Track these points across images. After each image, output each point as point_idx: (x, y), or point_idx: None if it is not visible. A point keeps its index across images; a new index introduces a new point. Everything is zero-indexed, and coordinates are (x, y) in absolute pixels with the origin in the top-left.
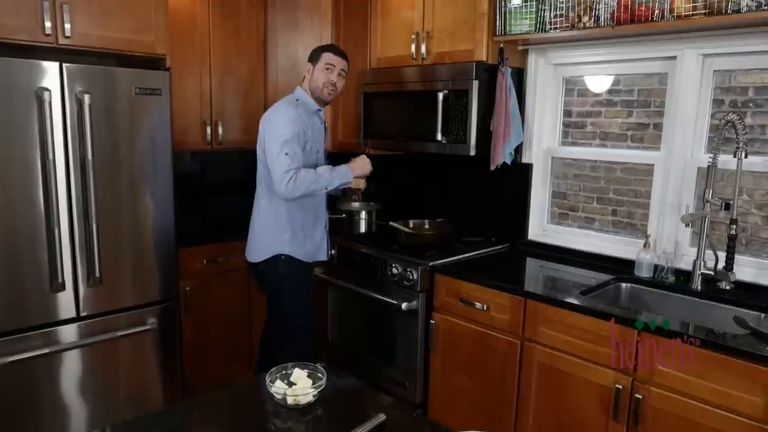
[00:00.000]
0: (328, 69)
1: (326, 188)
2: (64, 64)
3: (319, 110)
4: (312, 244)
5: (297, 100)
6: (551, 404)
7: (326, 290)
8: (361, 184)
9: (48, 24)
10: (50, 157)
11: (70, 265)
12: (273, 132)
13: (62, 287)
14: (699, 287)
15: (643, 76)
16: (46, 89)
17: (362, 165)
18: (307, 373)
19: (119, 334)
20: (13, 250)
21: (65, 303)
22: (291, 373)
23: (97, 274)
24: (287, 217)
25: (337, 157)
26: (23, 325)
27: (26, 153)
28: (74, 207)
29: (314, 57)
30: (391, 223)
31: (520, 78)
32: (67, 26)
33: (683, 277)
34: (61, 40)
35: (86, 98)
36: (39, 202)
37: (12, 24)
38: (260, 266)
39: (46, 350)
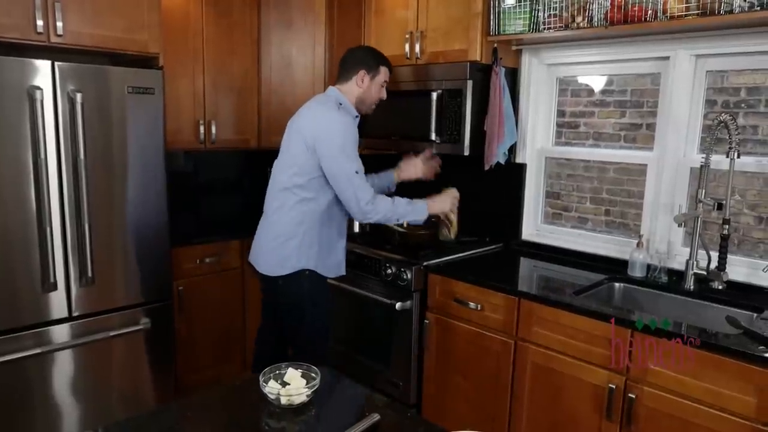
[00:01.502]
0: (383, 86)
1: (397, 221)
2: (56, 63)
3: (357, 117)
4: (335, 259)
5: (340, 104)
6: (545, 404)
7: None
8: (452, 216)
9: (40, 22)
10: (42, 156)
11: (62, 264)
12: (333, 141)
13: (54, 287)
14: (692, 287)
15: (636, 76)
16: (38, 88)
17: (442, 200)
18: (300, 373)
19: (112, 334)
20: (4, 250)
21: (57, 303)
22: (284, 373)
23: (90, 274)
24: (318, 230)
25: None
26: (15, 325)
27: (18, 152)
28: (66, 206)
29: (372, 66)
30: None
31: (513, 78)
32: (59, 24)
33: (676, 276)
34: (53, 39)
35: (78, 97)
36: (31, 201)
37: (4, 22)
38: (279, 281)
39: (38, 350)
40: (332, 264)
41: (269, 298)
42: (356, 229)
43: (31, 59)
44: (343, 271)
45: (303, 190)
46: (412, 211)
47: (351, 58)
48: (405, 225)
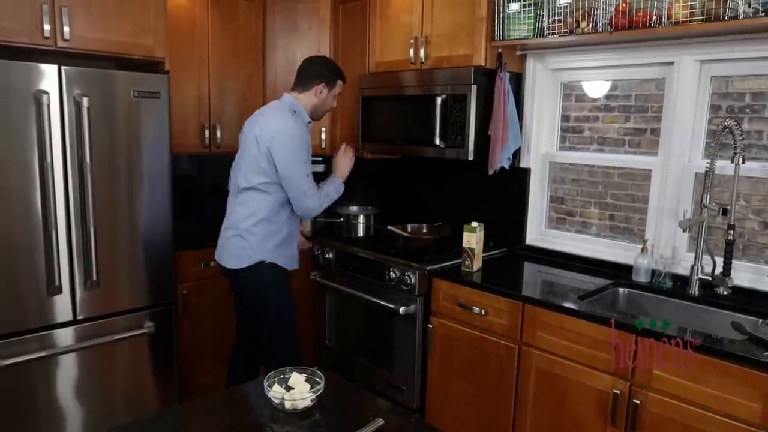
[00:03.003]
0: (335, 97)
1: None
2: (62, 67)
3: (309, 123)
4: (291, 252)
5: (294, 111)
6: (549, 409)
7: (324, 294)
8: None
9: (47, 27)
10: (48, 159)
11: (68, 268)
12: (288, 146)
13: (59, 290)
14: (696, 292)
15: (641, 81)
16: (45, 92)
17: (341, 166)
18: (305, 378)
19: (116, 337)
20: (10, 253)
21: (62, 306)
22: (289, 378)
23: (95, 278)
24: (279, 224)
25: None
26: (20, 328)
27: (24, 156)
28: (72, 210)
29: (331, 79)
30: (389, 227)
31: (518, 83)
32: (66, 29)
33: (681, 282)
34: (60, 43)
35: (84, 101)
36: (36, 204)
37: (11, 26)
38: (240, 273)
39: (42, 353)
40: (290, 257)
41: (235, 295)
42: (360, 233)
43: (38, 63)
44: (297, 265)
45: (259, 188)
46: (335, 190)
47: (311, 70)
48: (408, 230)
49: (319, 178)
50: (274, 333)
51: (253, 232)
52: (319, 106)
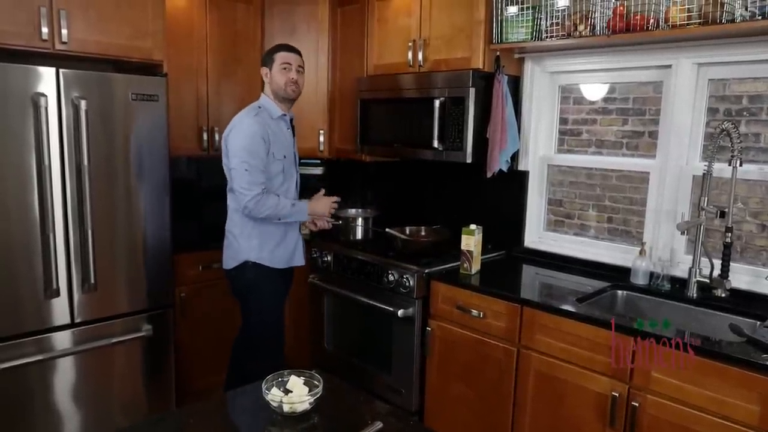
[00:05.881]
0: (285, 68)
1: (280, 220)
2: (60, 70)
3: (284, 115)
4: (285, 250)
5: (259, 107)
6: (548, 412)
7: (322, 297)
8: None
9: (45, 30)
10: (46, 162)
11: (65, 271)
12: (234, 144)
13: (57, 293)
14: (694, 295)
15: (639, 84)
16: (43, 95)
17: (321, 204)
18: (303, 381)
19: (114, 340)
20: (7, 256)
21: (60, 309)
22: (287, 381)
23: (92, 281)
24: (254, 223)
25: (333, 164)
26: (17, 331)
27: (22, 158)
28: (69, 213)
29: (267, 60)
30: (387, 229)
31: (516, 86)
32: (64, 32)
33: (679, 284)
34: (58, 46)
35: (82, 104)
36: (34, 207)
37: (8, 29)
38: (231, 273)
39: (39, 357)
40: (282, 256)
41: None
42: (359, 236)
43: (36, 66)
44: (299, 262)
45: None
46: (295, 212)
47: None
48: (407, 233)
49: (316, 180)
50: (256, 334)
51: (234, 233)
52: (273, 87)
